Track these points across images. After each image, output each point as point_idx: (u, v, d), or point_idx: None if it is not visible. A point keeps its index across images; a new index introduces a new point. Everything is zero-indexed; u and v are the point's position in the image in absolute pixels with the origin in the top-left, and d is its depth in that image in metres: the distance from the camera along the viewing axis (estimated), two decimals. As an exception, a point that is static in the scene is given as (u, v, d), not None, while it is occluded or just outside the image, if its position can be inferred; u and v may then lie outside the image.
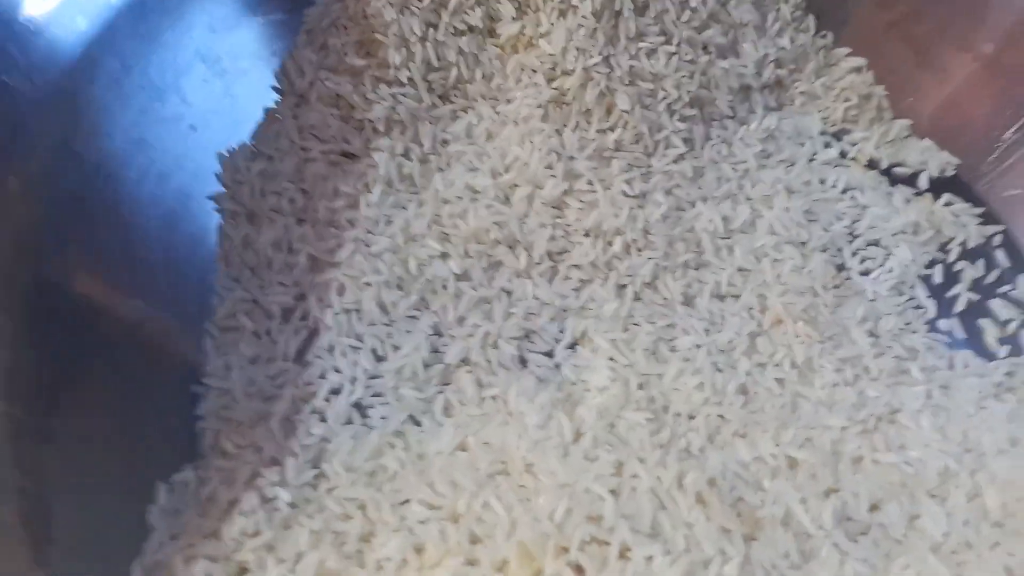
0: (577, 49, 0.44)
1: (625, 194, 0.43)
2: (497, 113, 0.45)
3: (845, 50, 0.50)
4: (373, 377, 0.37)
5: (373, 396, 0.36)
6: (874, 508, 0.31)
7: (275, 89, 0.43)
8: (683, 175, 0.45)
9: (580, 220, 0.42)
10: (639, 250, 0.42)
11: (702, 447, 0.32)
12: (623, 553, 0.27)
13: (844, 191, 0.46)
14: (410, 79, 0.44)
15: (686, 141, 0.46)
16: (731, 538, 0.28)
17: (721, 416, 0.34)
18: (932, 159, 0.47)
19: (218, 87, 0.40)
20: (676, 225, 0.43)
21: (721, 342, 0.38)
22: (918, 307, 0.42)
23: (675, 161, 0.45)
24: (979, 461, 0.33)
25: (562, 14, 0.45)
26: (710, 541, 0.27)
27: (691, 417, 0.34)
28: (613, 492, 0.29)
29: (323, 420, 0.35)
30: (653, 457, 0.30)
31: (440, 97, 0.45)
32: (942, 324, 0.41)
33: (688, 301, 0.40)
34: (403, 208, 0.42)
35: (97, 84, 0.35)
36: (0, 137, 0.31)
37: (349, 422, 0.35)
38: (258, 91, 0.42)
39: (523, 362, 0.38)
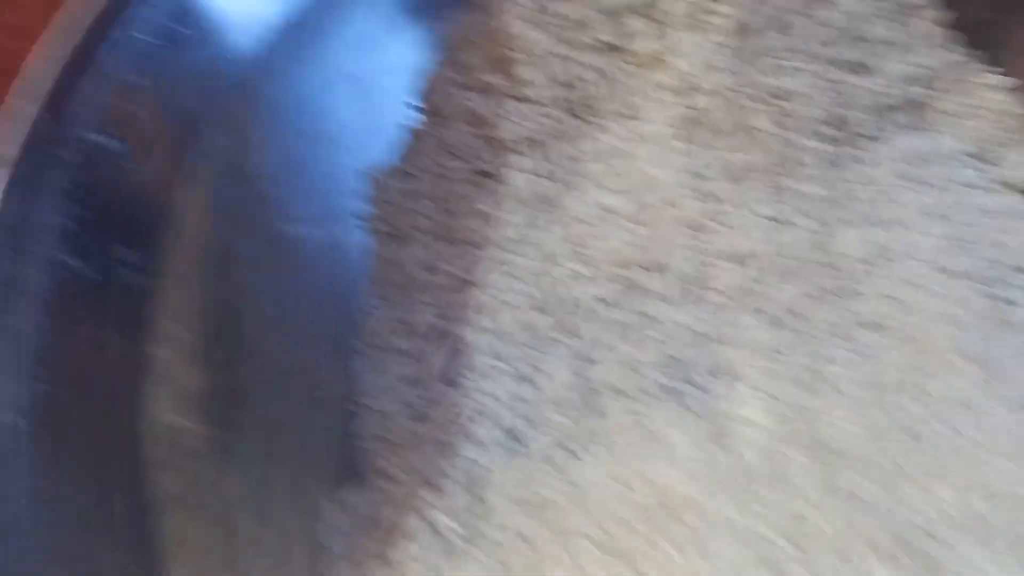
0: (711, 67, 0.43)
1: (763, 216, 0.42)
2: (630, 132, 0.45)
3: (991, 68, 0.48)
4: (520, 400, 0.37)
5: (521, 419, 0.36)
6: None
7: (415, 107, 0.43)
8: (820, 197, 0.44)
9: (717, 243, 0.42)
10: (780, 275, 0.41)
11: (872, 492, 0.31)
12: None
13: (992, 215, 0.44)
14: (544, 97, 0.44)
15: (822, 161, 0.45)
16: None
17: (885, 458, 0.33)
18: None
19: (362, 105, 0.40)
20: (816, 249, 0.42)
21: (874, 375, 0.37)
22: (1083, 339, 0.40)
23: (812, 182, 0.44)
24: None
25: (696, 31, 0.44)
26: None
27: (853, 457, 0.33)
28: (789, 540, 0.28)
29: (475, 443, 0.35)
30: (825, 502, 0.30)
31: (573, 115, 0.45)
32: (1109, 358, 0.39)
33: (836, 330, 0.39)
34: (540, 228, 0.42)
35: (254, 105, 0.36)
36: (175, 157, 0.32)
37: (499, 445, 0.35)
38: (399, 109, 0.42)
39: (667, 389, 0.37)
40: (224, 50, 0.35)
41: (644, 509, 0.31)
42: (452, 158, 0.42)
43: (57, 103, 0.28)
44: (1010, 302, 0.40)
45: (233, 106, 0.34)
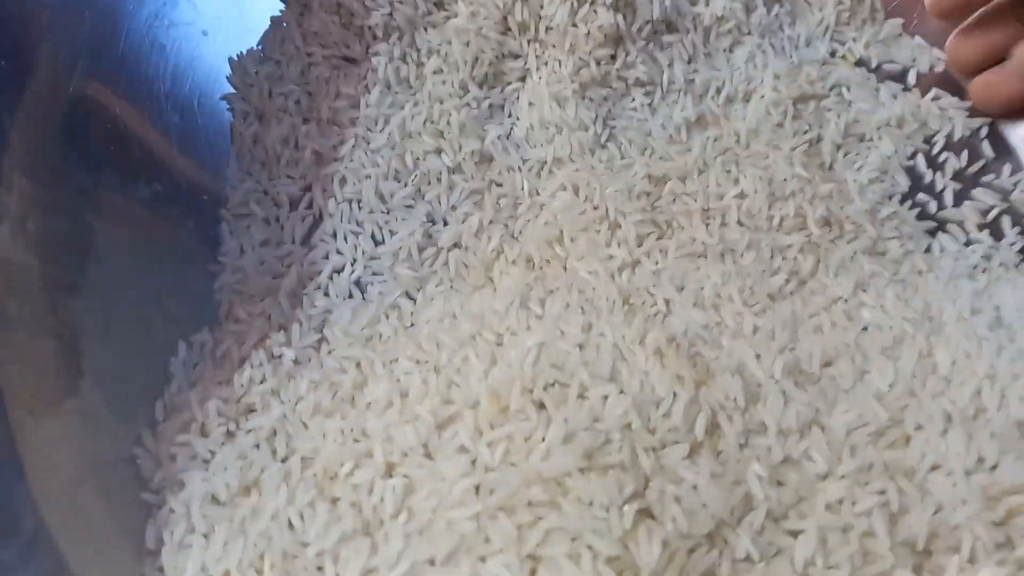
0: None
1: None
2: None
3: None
4: (372, 258, 0.40)
5: (372, 275, 0.39)
6: (827, 364, 0.33)
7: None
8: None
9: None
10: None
11: (666, 312, 0.34)
12: (582, 393, 0.30)
13: (832, 87, 0.47)
14: (406, -14, 0.46)
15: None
16: (683, 383, 0.30)
17: (691, 286, 0.36)
18: (921, 56, 0.47)
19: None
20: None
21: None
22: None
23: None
24: (936, 327, 0.35)
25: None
26: (663, 385, 0.30)
27: (654, 286, 0.36)
28: (579, 347, 0.32)
29: (326, 295, 0.38)
30: (620, 319, 0.33)
31: (435, 4, 0.47)
32: (923, 211, 0.43)
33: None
34: (400, 108, 0.44)
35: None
36: (28, 37, 0.34)
37: (350, 296, 0.39)
38: (267, 2, 0.45)
39: (506, 240, 0.41)
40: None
41: (464, 335, 0.34)
42: (317, 45, 0.45)
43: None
44: (830, 162, 0.43)
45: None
